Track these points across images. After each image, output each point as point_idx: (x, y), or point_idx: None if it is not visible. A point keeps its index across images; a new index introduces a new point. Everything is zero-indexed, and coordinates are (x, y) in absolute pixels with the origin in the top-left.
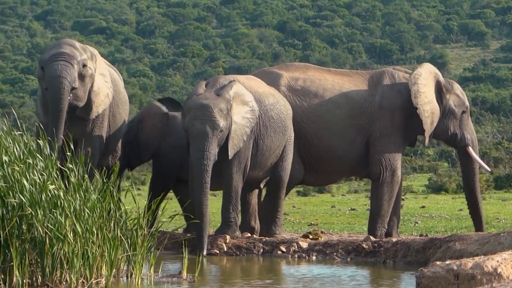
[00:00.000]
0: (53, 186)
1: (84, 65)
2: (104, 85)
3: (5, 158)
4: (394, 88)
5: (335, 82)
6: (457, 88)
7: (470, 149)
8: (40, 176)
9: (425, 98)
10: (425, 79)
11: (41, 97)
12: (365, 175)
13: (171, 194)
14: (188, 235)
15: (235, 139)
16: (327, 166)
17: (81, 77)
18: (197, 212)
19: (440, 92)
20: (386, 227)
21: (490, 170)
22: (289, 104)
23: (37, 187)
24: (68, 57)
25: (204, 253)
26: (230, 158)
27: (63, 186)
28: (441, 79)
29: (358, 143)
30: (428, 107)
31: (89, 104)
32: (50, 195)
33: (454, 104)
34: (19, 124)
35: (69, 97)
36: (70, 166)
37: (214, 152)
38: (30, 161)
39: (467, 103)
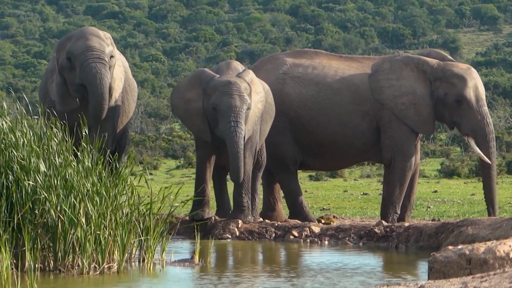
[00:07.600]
0: (77, 176)
1: (112, 56)
2: (117, 69)
3: (19, 142)
4: None
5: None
6: None
7: None
8: (54, 160)
9: None
10: None
11: (60, 85)
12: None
13: (182, 178)
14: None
15: (249, 124)
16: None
17: (110, 68)
18: (236, 177)
19: None
20: (398, 213)
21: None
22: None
23: (52, 170)
24: (101, 53)
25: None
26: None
27: (77, 170)
28: None
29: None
30: None
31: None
32: (65, 179)
33: None
34: (30, 109)
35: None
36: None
37: (243, 127)
38: (46, 145)
39: None
